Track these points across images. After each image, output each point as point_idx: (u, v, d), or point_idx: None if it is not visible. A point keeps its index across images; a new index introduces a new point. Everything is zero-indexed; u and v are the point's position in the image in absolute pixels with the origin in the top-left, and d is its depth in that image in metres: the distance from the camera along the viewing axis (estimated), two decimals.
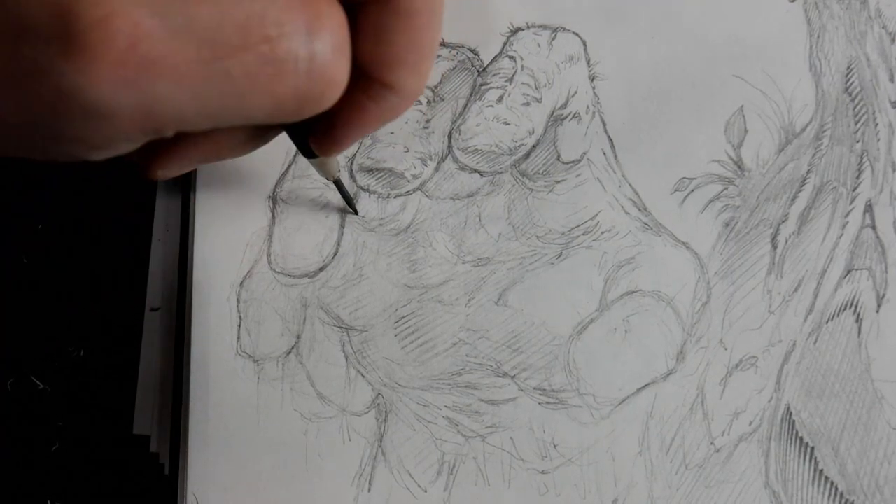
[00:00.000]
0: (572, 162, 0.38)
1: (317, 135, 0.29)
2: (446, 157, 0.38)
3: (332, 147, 0.29)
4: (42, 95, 0.21)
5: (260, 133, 0.30)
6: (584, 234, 0.38)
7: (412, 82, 0.26)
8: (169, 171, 0.30)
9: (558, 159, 0.38)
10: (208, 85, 0.21)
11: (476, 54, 0.39)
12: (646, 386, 0.37)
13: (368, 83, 0.26)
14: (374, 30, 0.24)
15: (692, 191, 0.38)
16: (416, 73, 0.26)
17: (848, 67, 0.39)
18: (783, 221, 0.38)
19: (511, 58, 0.39)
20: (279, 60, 0.22)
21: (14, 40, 0.20)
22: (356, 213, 0.38)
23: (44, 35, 0.20)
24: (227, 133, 0.29)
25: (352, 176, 0.38)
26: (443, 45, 0.39)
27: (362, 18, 0.24)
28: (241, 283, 0.38)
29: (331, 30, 0.22)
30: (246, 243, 0.38)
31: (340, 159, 0.38)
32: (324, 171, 0.35)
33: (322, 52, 0.22)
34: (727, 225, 0.38)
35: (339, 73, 0.23)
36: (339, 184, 0.37)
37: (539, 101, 0.38)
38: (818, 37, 0.39)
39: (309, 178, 0.38)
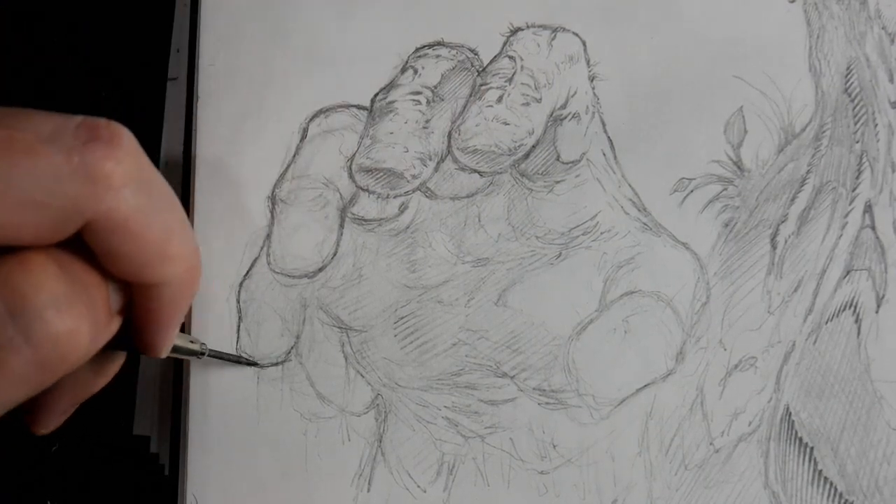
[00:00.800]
0: (572, 162, 0.38)
1: (138, 343, 0.29)
2: (446, 157, 0.38)
3: (153, 351, 0.29)
4: None
5: (97, 363, 0.30)
6: (583, 235, 0.38)
7: (171, 270, 0.26)
8: (49, 424, 0.31)
9: (558, 159, 0.38)
10: None
11: (476, 54, 0.39)
12: (645, 386, 0.37)
13: (140, 289, 0.26)
14: (101, 252, 0.24)
15: (692, 191, 0.38)
16: (170, 262, 0.25)
17: (847, 68, 0.39)
18: (783, 222, 0.38)
19: (511, 58, 0.39)
20: None
21: None
22: (253, 363, 0.38)
23: None
24: (67, 380, 0.29)
25: (351, 176, 0.38)
26: (442, 44, 0.39)
27: (90, 245, 0.24)
28: (241, 284, 0.38)
29: (37, 293, 0.23)
30: (245, 244, 0.38)
31: (340, 159, 0.38)
32: (190, 356, 0.35)
33: (34, 320, 0.22)
34: (727, 225, 0.38)
35: (63, 326, 0.23)
36: (216, 355, 0.36)
37: (539, 101, 0.38)
38: (818, 37, 0.39)
39: (308, 179, 0.38)
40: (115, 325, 0.27)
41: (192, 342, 0.35)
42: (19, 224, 0.22)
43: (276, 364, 0.37)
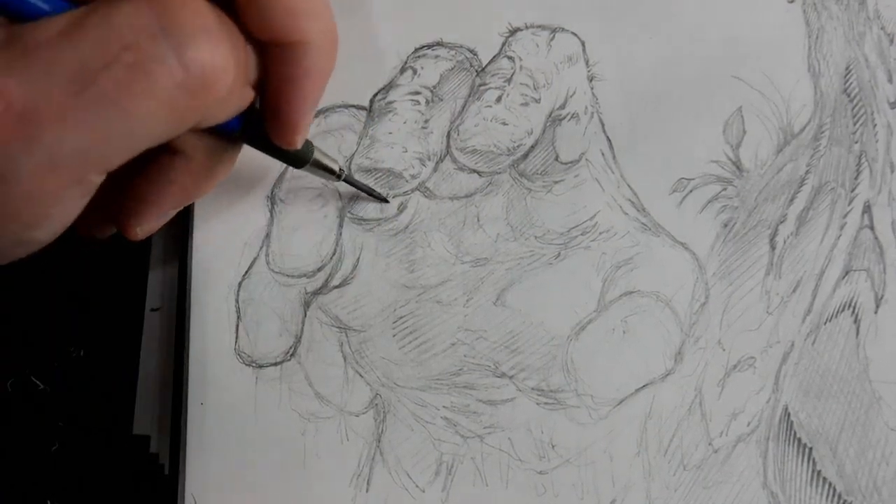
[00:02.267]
0: (571, 162, 0.38)
1: (272, 130, 0.29)
2: (445, 157, 0.38)
3: (290, 133, 0.29)
4: None
5: (212, 158, 0.30)
6: (582, 235, 0.38)
7: (317, 27, 0.26)
8: (146, 224, 0.31)
9: (557, 160, 0.38)
10: (91, 113, 0.22)
11: (475, 54, 0.39)
12: (644, 386, 0.37)
13: (281, 54, 0.26)
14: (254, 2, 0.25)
15: (690, 191, 0.38)
16: (316, 17, 0.26)
17: (846, 68, 0.39)
18: (781, 222, 0.38)
19: (510, 58, 0.39)
20: (145, 61, 0.22)
21: None
22: (386, 200, 0.38)
23: None
24: (181, 167, 0.30)
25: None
26: (441, 45, 0.39)
27: None
28: (240, 284, 0.38)
29: (188, 18, 0.22)
30: (244, 243, 0.38)
31: (339, 159, 0.38)
32: (324, 172, 0.35)
33: (188, 41, 0.22)
34: (725, 225, 0.38)
35: (215, 56, 0.23)
36: (349, 180, 0.37)
37: (537, 101, 0.38)
38: (817, 38, 0.39)
39: (307, 178, 0.38)
40: (248, 93, 0.27)
41: (326, 157, 0.35)
42: None
43: (275, 364, 0.37)
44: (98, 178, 0.24)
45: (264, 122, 0.29)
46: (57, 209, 0.24)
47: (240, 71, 0.25)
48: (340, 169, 0.35)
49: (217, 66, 0.23)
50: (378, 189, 0.38)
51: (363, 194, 0.38)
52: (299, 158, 0.34)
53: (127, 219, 0.31)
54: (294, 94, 0.27)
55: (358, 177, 0.38)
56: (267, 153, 0.32)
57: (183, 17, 0.22)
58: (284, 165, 0.38)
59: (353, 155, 0.38)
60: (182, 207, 0.32)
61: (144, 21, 0.22)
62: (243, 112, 0.28)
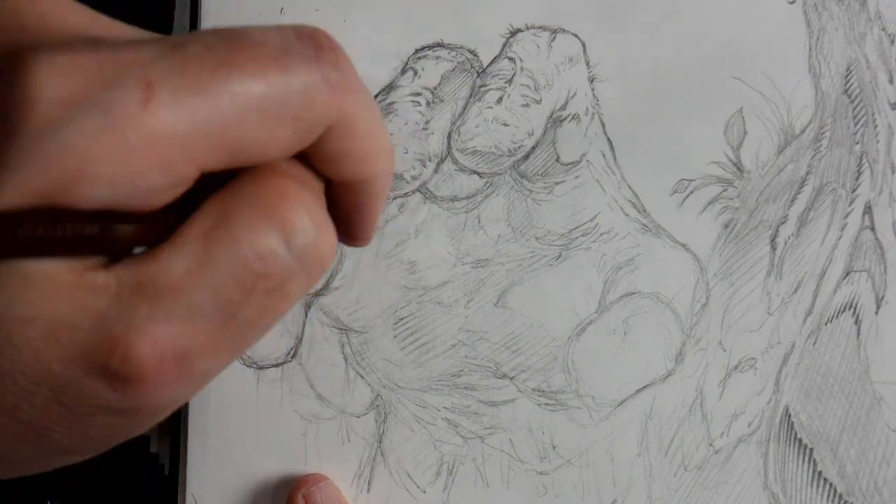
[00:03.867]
0: (571, 163, 0.38)
1: (344, 241, 0.30)
2: (445, 158, 0.38)
3: (361, 243, 0.30)
4: (104, 422, 0.22)
5: None
6: (583, 236, 0.38)
7: (384, 161, 0.26)
8: None
9: (557, 161, 0.38)
10: (236, 337, 0.23)
11: (475, 55, 0.39)
12: (645, 387, 0.37)
13: (351, 187, 0.26)
14: (331, 156, 0.25)
15: (691, 192, 0.38)
16: (383, 153, 0.26)
17: (847, 69, 0.39)
18: (782, 223, 0.38)
19: (510, 59, 0.39)
20: (279, 284, 0.22)
21: (63, 395, 0.21)
22: None
23: (88, 387, 0.21)
24: None
25: None
26: (442, 45, 0.39)
27: (315, 152, 0.24)
28: None
29: (303, 220, 0.23)
30: None
31: None
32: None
33: (308, 246, 0.23)
34: (726, 226, 0.38)
35: (328, 245, 0.24)
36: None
37: (538, 102, 0.38)
38: (817, 38, 0.39)
39: None
40: None
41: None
42: (278, 141, 0.23)
43: (276, 365, 0.37)
44: None
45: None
46: None
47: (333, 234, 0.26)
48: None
49: (329, 254, 0.24)
50: None
51: None
52: None
53: None
54: (363, 216, 0.28)
55: None
56: None
57: (294, 221, 0.23)
58: None
59: None
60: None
61: (268, 244, 0.22)
62: None
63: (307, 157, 0.25)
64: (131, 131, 0.20)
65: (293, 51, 0.23)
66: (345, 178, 0.26)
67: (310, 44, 0.23)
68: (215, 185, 0.23)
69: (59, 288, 0.21)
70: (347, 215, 0.27)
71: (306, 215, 0.23)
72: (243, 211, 0.22)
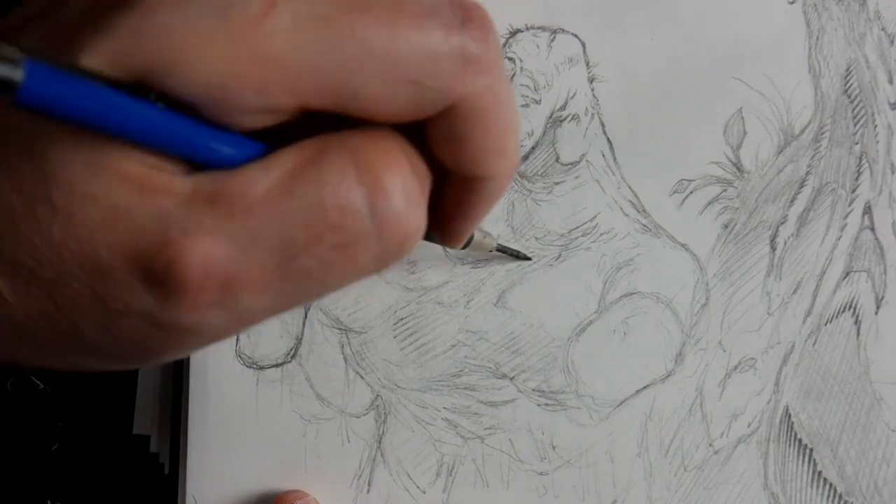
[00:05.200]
0: (571, 164, 0.38)
1: (436, 237, 0.29)
2: None
3: (454, 242, 0.29)
4: (133, 326, 0.21)
5: None
6: (583, 236, 0.38)
7: (503, 165, 0.25)
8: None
9: (557, 161, 0.38)
10: (288, 284, 0.22)
11: None
12: (645, 387, 0.37)
13: (462, 181, 0.25)
14: (448, 137, 0.23)
15: (691, 192, 0.38)
16: (505, 157, 0.25)
17: (847, 69, 0.39)
18: (782, 223, 0.38)
19: (510, 59, 0.39)
20: (349, 243, 0.21)
21: (100, 284, 0.21)
22: (528, 258, 0.38)
23: (127, 282, 0.21)
24: None
25: None
26: None
27: (433, 130, 0.23)
28: None
29: (395, 189, 0.22)
30: None
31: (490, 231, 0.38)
32: (479, 250, 0.36)
33: (391, 217, 0.22)
34: (726, 227, 0.38)
35: (412, 226, 0.23)
36: (502, 249, 0.37)
37: (538, 102, 0.38)
38: (817, 38, 0.39)
39: None
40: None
41: (485, 235, 0.36)
42: (390, 100, 0.22)
43: (276, 366, 0.37)
44: None
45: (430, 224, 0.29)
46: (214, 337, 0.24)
47: (424, 222, 0.24)
48: (494, 238, 0.37)
49: (411, 235, 0.23)
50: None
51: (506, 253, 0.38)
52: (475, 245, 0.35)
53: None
54: (465, 216, 0.27)
55: None
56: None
57: (387, 187, 0.22)
58: None
59: None
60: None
61: (352, 198, 0.21)
62: None
63: (428, 141, 0.24)
64: (239, 39, 0.19)
65: (437, 12, 0.22)
66: (458, 168, 0.24)
67: (459, 12, 0.22)
68: (324, 129, 0.22)
69: (136, 179, 0.20)
70: (450, 210, 0.26)
71: (400, 185, 0.22)
72: (341, 157, 0.21)
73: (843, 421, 0.36)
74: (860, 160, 0.38)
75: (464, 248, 0.35)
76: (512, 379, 0.37)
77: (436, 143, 0.24)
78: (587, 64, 0.39)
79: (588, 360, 0.37)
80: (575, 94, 0.38)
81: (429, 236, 0.29)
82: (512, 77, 0.38)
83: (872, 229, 0.38)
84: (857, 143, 0.38)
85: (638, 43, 0.39)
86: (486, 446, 0.37)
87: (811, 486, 0.36)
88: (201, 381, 0.37)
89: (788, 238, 0.38)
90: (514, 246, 0.38)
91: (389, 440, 0.37)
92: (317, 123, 0.22)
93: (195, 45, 0.19)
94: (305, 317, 0.37)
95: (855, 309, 0.37)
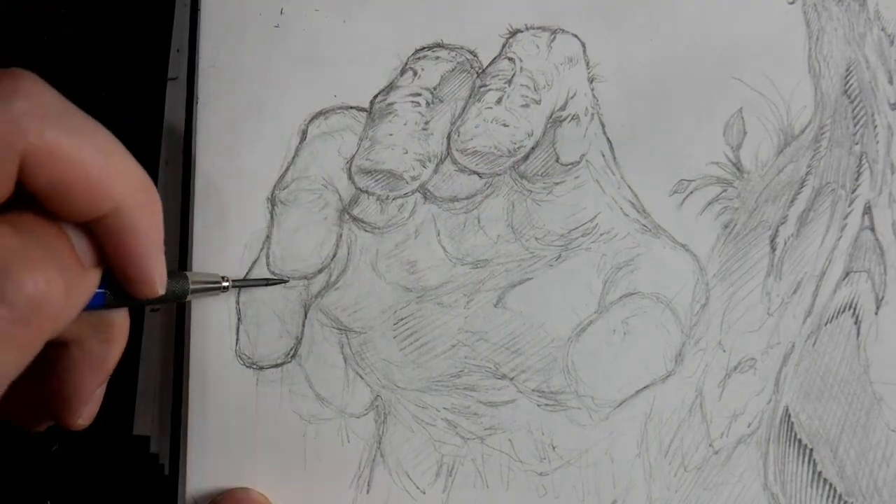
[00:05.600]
0: (571, 164, 0.38)
1: (131, 288, 0.29)
2: (445, 158, 0.38)
3: (147, 287, 0.29)
4: None
5: (102, 329, 0.30)
6: (582, 236, 0.38)
7: (123, 186, 0.26)
8: (81, 413, 0.31)
9: (557, 161, 0.38)
10: None
11: (475, 56, 0.39)
12: (645, 388, 0.37)
13: (98, 224, 0.26)
14: (47, 194, 0.25)
15: (691, 193, 0.38)
16: (119, 177, 0.26)
17: (847, 69, 0.39)
18: (782, 223, 0.38)
19: (510, 59, 0.39)
20: None
21: None
22: (284, 280, 0.38)
23: None
24: (79, 354, 0.30)
25: (350, 178, 0.38)
26: (442, 46, 0.39)
27: (33, 187, 0.24)
28: None
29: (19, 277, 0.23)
30: (244, 245, 0.38)
31: (339, 161, 0.38)
32: (212, 291, 0.36)
33: (3, 279, 0.23)
34: (726, 227, 0.38)
35: (34, 280, 0.23)
36: (240, 284, 0.37)
37: (538, 102, 0.38)
38: (817, 38, 0.39)
39: (307, 180, 0.38)
40: (92, 277, 0.27)
41: (180, 278, 0.34)
42: None
43: (276, 366, 0.37)
44: None
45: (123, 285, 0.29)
46: None
47: (69, 270, 0.25)
48: (224, 278, 0.36)
49: (39, 284, 0.23)
50: (378, 191, 0.38)
51: (361, 196, 0.38)
52: (177, 294, 0.34)
53: (61, 416, 0.31)
54: (131, 254, 0.27)
55: (358, 179, 0.38)
56: (146, 304, 0.33)
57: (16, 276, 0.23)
58: (284, 167, 0.38)
59: (354, 157, 0.38)
60: (106, 380, 0.32)
61: None
62: (101, 285, 0.28)
63: (42, 203, 0.24)
64: None
65: None
66: (75, 215, 0.25)
67: None
68: None
69: None
70: (114, 259, 0.27)
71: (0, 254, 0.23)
72: None
73: (843, 421, 0.36)
74: (860, 160, 0.38)
75: (193, 296, 0.34)
76: (512, 379, 0.37)
77: (46, 201, 0.25)
78: (587, 64, 0.39)
79: (588, 361, 0.37)
80: (575, 94, 0.38)
81: (128, 298, 0.29)
82: (511, 77, 0.38)
83: (872, 229, 0.38)
84: (857, 144, 0.38)
85: (638, 43, 0.39)
86: (486, 447, 0.37)
87: (811, 487, 0.36)
88: (201, 382, 0.37)
89: (788, 238, 0.38)
90: (515, 246, 0.38)
91: (389, 440, 0.37)
92: None
93: None
94: (305, 317, 0.37)
95: (855, 309, 0.37)
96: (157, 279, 0.29)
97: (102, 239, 0.26)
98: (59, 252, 0.25)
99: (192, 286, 0.34)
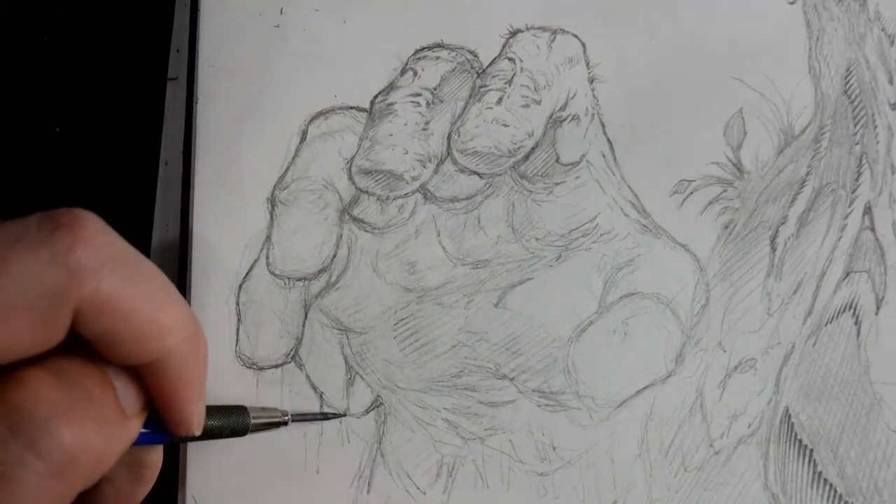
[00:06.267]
0: (571, 164, 0.38)
1: (171, 429, 0.29)
2: (445, 158, 0.38)
3: (184, 429, 0.29)
4: None
5: (134, 468, 0.30)
6: (583, 237, 0.38)
7: (173, 338, 0.26)
8: None
9: (557, 161, 0.38)
10: None
11: (475, 56, 0.39)
12: (645, 388, 0.37)
13: (144, 369, 0.26)
14: (100, 342, 0.25)
15: (691, 193, 0.38)
16: (169, 330, 0.26)
17: (847, 69, 0.39)
18: (782, 224, 0.38)
19: (510, 59, 0.39)
20: (5, 472, 0.22)
21: None
22: (343, 415, 0.37)
23: None
24: (110, 492, 0.30)
25: (350, 178, 0.38)
26: (442, 46, 0.39)
27: (82, 333, 0.24)
28: (240, 286, 0.38)
29: (32, 407, 0.23)
30: (244, 245, 0.38)
31: (339, 161, 0.38)
32: (273, 427, 0.36)
33: (39, 435, 0.23)
34: (726, 227, 0.38)
35: (71, 435, 0.23)
36: (300, 418, 0.37)
37: (538, 103, 0.38)
38: (817, 39, 0.39)
39: (307, 180, 0.38)
40: (133, 425, 0.27)
41: (267, 413, 0.35)
42: (13, 335, 0.22)
43: (276, 366, 0.37)
44: None
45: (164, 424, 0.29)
46: None
47: (109, 422, 0.25)
48: (284, 413, 0.36)
49: (78, 439, 0.23)
50: (379, 191, 0.38)
51: (361, 196, 0.38)
52: (236, 431, 0.34)
53: None
54: (173, 399, 0.27)
55: (358, 179, 0.38)
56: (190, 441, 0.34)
57: (24, 407, 0.22)
58: (284, 167, 0.38)
59: (354, 157, 0.38)
60: None
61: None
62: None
63: (94, 348, 0.24)
64: None
65: (22, 238, 0.23)
66: (124, 361, 0.25)
67: (47, 226, 0.23)
68: None
69: None
70: (156, 401, 0.27)
71: (41, 402, 0.23)
72: None
73: (844, 421, 0.36)
74: (860, 161, 0.38)
75: (226, 434, 0.34)
76: (512, 380, 0.37)
77: (96, 346, 0.24)
78: (587, 64, 0.39)
79: (588, 361, 0.37)
80: (575, 94, 0.38)
81: (167, 436, 0.29)
82: (512, 77, 0.38)
83: (872, 230, 0.38)
84: (857, 144, 0.38)
85: (638, 43, 0.39)
86: (487, 447, 0.37)
87: (811, 487, 0.36)
88: None
89: (788, 238, 0.38)
90: (515, 247, 0.38)
91: (390, 441, 0.37)
92: None
93: None
94: (305, 317, 0.37)
95: (855, 309, 0.37)
96: (194, 423, 0.29)
97: (147, 381, 0.26)
98: (102, 404, 0.25)
99: (252, 421, 0.34)
